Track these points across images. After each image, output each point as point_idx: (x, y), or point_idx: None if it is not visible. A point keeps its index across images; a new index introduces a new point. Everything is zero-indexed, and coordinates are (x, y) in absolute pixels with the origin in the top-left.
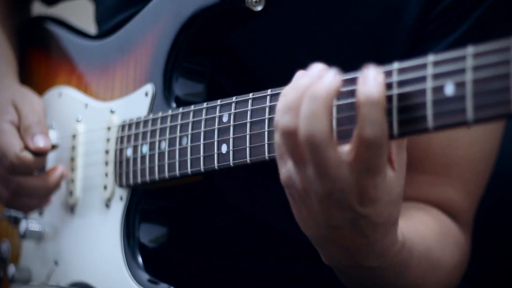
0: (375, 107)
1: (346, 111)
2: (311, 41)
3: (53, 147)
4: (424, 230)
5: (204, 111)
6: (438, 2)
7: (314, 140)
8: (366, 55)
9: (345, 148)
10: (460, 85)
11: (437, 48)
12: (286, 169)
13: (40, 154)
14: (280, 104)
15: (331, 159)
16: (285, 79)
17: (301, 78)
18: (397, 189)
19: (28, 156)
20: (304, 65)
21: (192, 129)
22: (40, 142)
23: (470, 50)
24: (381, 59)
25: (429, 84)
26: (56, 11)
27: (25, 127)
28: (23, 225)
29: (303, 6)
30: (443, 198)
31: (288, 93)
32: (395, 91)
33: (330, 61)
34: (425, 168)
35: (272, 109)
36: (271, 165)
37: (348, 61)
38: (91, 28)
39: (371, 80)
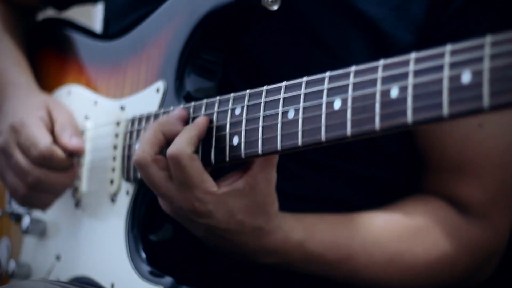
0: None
1: None
2: (322, 37)
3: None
4: (386, 228)
5: (216, 104)
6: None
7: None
8: (373, 50)
9: None
10: (477, 73)
11: None
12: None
13: (72, 155)
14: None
15: (157, 178)
16: (298, 76)
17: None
18: (236, 202)
19: (59, 151)
20: (316, 61)
21: None
22: (77, 142)
23: (488, 39)
24: (387, 54)
25: (446, 73)
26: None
27: (62, 126)
28: (26, 221)
29: (313, 3)
30: (454, 194)
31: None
32: (411, 80)
33: (340, 57)
34: (439, 167)
35: (286, 100)
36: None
37: (357, 56)
38: (94, 26)
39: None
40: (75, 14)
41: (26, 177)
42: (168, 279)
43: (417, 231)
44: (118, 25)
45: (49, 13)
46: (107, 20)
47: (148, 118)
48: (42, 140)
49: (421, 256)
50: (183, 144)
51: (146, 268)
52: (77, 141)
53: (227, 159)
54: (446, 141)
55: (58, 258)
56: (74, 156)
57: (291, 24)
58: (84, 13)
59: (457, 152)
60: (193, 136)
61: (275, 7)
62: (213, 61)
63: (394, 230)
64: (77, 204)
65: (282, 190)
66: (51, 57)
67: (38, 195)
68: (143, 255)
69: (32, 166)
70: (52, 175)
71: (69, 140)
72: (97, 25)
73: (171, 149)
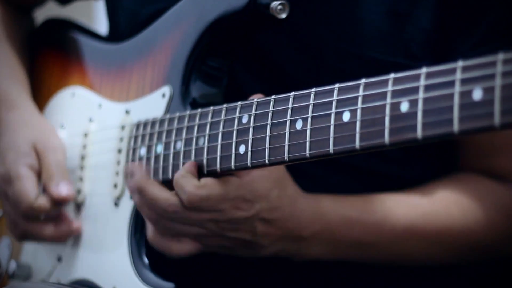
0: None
1: None
2: (338, 31)
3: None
4: (415, 192)
5: (223, 112)
6: None
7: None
8: (393, 36)
9: None
10: (488, 90)
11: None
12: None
13: (59, 203)
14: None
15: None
16: (313, 74)
17: None
18: (263, 183)
19: (43, 204)
20: (332, 50)
21: (210, 130)
22: (63, 191)
23: (500, 56)
24: (408, 37)
25: (457, 89)
26: (61, 10)
27: (49, 174)
28: None
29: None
30: (489, 167)
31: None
32: (421, 94)
33: (359, 48)
34: (471, 144)
35: (294, 111)
36: None
37: (376, 45)
38: (94, 25)
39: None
40: (75, 13)
41: (16, 227)
42: (170, 285)
43: (450, 195)
44: (125, 23)
45: (51, 12)
46: (112, 17)
47: (153, 123)
48: (25, 197)
49: (458, 217)
50: (189, 182)
51: (148, 273)
52: (64, 189)
53: (233, 167)
54: None
55: (59, 259)
56: (62, 204)
57: (307, 22)
58: (84, 12)
59: None
60: (187, 174)
61: (283, 15)
62: (219, 68)
63: (424, 194)
64: (80, 206)
65: None
66: (54, 58)
67: (31, 240)
68: (146, 260)
69: (20, 218)
70: (40, 228)
71: (57, 190)
72: (98, 24)
73: (188, 201)
